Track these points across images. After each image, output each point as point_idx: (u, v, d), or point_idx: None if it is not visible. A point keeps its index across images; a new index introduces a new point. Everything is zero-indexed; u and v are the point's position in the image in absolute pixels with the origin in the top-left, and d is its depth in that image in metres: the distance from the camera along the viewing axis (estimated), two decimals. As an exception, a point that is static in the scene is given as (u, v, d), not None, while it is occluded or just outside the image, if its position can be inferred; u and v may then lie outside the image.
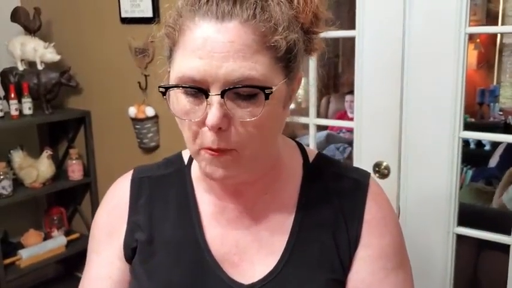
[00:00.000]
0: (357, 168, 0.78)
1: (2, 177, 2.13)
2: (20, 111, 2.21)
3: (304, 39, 0.65)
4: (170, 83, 0.62)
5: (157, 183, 0.76)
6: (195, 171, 0.75)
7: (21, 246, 2.33)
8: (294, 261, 0.69)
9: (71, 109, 2.45)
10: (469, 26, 1.26)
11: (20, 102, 2.20)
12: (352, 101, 3.49)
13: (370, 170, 1.42)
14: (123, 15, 2.11)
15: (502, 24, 4.33)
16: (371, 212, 0.71)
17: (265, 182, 0.71)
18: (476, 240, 1.41)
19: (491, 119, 4.26)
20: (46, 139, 2.59)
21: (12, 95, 2.18)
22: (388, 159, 1.42)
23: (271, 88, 0.58)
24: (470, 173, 3.38)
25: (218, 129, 0.58)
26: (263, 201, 0.72)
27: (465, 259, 1.62)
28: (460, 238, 1.38)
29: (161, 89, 0.61)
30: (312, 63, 1.38)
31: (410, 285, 0.74)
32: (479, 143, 3.73)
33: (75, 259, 2.36)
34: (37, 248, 2.31)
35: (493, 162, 3.33)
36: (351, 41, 1.47)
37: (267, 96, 0.58)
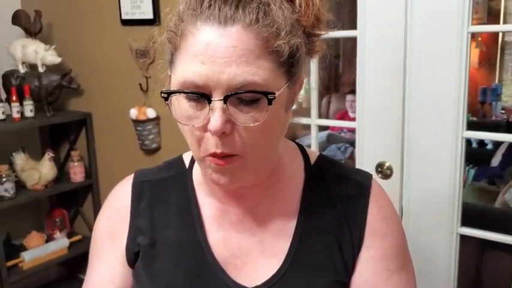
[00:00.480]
0: (359, 170, 0.78)
1: (4, 179, 2.13)
2: (22, 113, 2.21)
3: (306, 42, 0.64)
4: (172, 88, 0.61)
5: (158, 186, 0.76)
6: (197, 174, 0.75)
7: (23, 248, 2.33)
8: (297, 264, 0.69)
9: (72, 111, 2.45)
10: (471, 24, 1.26)
11: (21, 104, 2.21)
12: (353, 101, 3.50)
13: (372, 170, 1.42)
14: (124, 17, 2.11)
15: (504, 22, 4.32)
16: (373, 214, 0.71)
17: (266, 184, 0.71)
18: (480, 240, 1.41)
19: (494, 118, 4.25)
20: (48, 141, 2.59)
21: (14, 98, 2.18)
22: (391, 159, 1.42)
23: (274, 93, 0.58)
24: (472, 172, 3.38)
25: (221, 134, 0.58)
26: (265, 204, 0.72)
27: (468, 259, 1.61)
28: (463, 238, 1.37)
29: (163, 95, 0.61)
30: (314, 64, 1.38)
31: (413, 285, 0.74)
32: (481, 142, 3.73)
33: (77, 261, 2.37)
34: (39, 250, 2.31)
35: (496, 161, 3.32)
36: (352, 40, 1.47)
37: (269, 102, 0.58)
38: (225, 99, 0.57)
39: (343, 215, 0.71)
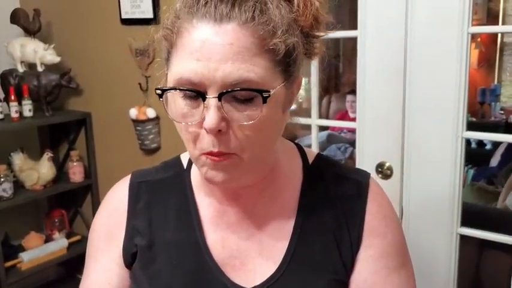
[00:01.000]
0: (358, 169, 0.78)
1: (2, 179, 2.12)
2: (20, 113, 2.21)
3: (304, 43, 0.64)
4: (168, 86, 0.61)
5: (156, 187, 0.76)
6: (195, 175, 0.75)
7: (22, 249, 2.33)
8: (296, 264, 0.68)
9: (71, 111, 2.44)
10: (471, 25, 1.26)
11: (20, 104, 2.20)
12: (353, 101, 3.50)
13: (372, 170, 1.42)
14: (124, 16, 2.11)
15: (503, 23, 4.33)
16: (372, 213, 0.71)
17: (263, 184, 0.70)
18: (479, 240, 1.41)
19: (493, 118, 4.26)
20: (47, 141, 2.59)
21: (13, 97, 2.18)
22: (391, 159, 1.42)
23: (269, 91, 0.58)
24: (471, 172, 3.38)
25: (217, 132, 0.58)
26: (263, 204, 0.71)
27: (467, 259, 1.61)
28: (463, 238, 1.37)
29: (158, 91, 0.60)
30: (314, 65, 1.38)
31: (413, 284, 0.74)
32: (480, 143, 3.73)
33: (76, 261, 2.36)
34: (38, 250, 2.30)
35: (495, 161, 3.33)
36: (352, 40, 1.47)
37: (264, 100, 0.57)
38: (220, 97, 0.57)
39: (342, 215, 0.71)
